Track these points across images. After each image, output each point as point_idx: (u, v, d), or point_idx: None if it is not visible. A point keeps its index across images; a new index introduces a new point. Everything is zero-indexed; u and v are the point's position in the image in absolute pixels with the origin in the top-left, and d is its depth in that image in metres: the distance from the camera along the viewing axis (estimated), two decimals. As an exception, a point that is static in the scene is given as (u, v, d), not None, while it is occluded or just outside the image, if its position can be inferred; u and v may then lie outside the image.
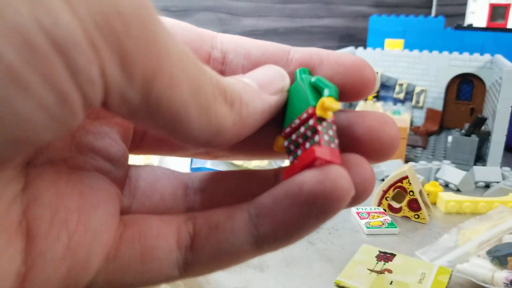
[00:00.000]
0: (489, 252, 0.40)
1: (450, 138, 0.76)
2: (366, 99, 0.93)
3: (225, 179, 0.16)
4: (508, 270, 0.38)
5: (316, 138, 0.13)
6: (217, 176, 0.16)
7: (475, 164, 0.70)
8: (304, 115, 0.14)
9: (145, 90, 0.10)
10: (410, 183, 0.52)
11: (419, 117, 0.95)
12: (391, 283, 0.38)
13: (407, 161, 0.73)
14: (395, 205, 0.54)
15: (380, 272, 0.39)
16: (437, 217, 0.54)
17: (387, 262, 0.41)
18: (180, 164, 0.56)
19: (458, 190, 0.63)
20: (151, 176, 0.16)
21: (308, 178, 0.12)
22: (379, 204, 0.55)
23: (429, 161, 0.71)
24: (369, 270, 0.40)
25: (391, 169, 0.65)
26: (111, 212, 0.13)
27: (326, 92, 0.14)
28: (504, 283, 0.37)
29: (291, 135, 0.14)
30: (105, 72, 0.09)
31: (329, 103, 0.13)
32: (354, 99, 0.15)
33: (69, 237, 0.12)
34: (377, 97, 0.93)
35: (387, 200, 0.54)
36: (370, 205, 0.56)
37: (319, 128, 0.13)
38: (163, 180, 0.16)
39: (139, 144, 0.17)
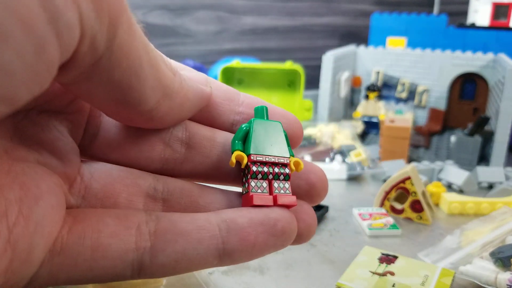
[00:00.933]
0: (492, 254, 0.40)
1: (453, 138, 0.75)
2: (367, 99, 0.92)
3: (191, 188, 0.16)
4: (511, 272, 0.37)
5: (287, 185, 0.17)
6: (184, 185, 0.16)
7: (478, 164, 0.70)
8: (284, 161, 0.17)
9: (111, 34, 0.11)
10: (413, 184, 0.51)
11: (422, 117, 0.94)
12: (393, 286, 0.37)
13: (409, 161, 0.72)
14: (398, 206, 0.53)
15: (383, 274, 0.39)
16: (440, 218, 0.54)
17: (390, 264, 0.41)
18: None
19: (461, 191, 0.62)
20: (106, 178, 0.15)
21: (281, 216, 0.15)
22: (381, 205, 0.54)
23: (432, 161, 0.70)
24: (371, 272, 0.39)
25: (393, 169, 0.64)
26: (55, 205, 0.13)
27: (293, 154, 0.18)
28: (508, 285, 0.37)
29: (262, 166, 0.16)
30: (82, 15, 0.09)
31: (302, 165, 0.17)
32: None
33: (9, 230, 0.11)
34: (379, 97, 0.93)
35: (389, 201, 0.54)
36: (372, 206, 0.55)
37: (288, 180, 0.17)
38: (119, 185, 0.15)
39: (89, 146, 0.16)
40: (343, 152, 0.69)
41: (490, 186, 0.63)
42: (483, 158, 0.72)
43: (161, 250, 0.13)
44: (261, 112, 0.18)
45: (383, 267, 0.40)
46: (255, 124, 0.17)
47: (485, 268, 0.39)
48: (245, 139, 0.16)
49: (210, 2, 1.10)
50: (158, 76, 0.12)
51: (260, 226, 0.14)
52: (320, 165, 0.67)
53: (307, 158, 0.68)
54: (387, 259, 0.42)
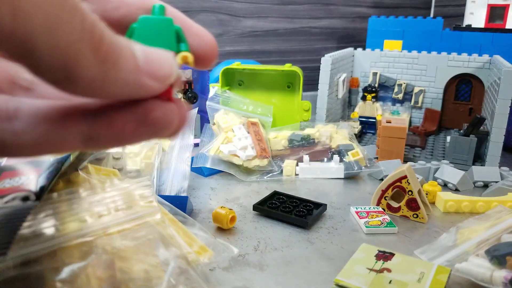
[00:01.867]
0: (487, 252, 0.40)
1: (448, 138, 0.76)
2: (365, 100, 0.93)
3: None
4: (506, 269, 0.38)
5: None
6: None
7: (473, 164, 0.71)
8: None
9: None
10: (409, 183, 0.52)
11: (418, 117, 0.95)
12: (390, 282, 0.38)
13: (406, 161, 0.73)
14: (394, 204, 0.54)
15: (379, 271, 0.40)
16: (436, 217, 0.54)
17: (386, 261, 0.41)
18: (182, 162, 0.56)
19: (456, 190, 0.63)
20: None
21: (155, 106, 0.14)
22: (378, 203, 0.55)
23: (427, 161, 0.71)
24: (368, 269, 0.40)
25: (390, 168, 0.65)
26: None
27: (183, 47, 0.17)
28: (503, 282, 0.37)
29: None
30: None
31: (190, 59, 0.17)
32: (202, 66, 0.18)
33: None
34: (376, 98, 0.94)
35: (386, 200, 0.54)
36: (369, 204, 0.56)
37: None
38: None
39: None
40: (341, 152, 0.69)
41: (486, 186, 0.64)
42: (479, 158, 0.73)
43: (22, 132, 0.13)
44: (158, 11, 0.17)
45: (380, 264, 0.41)
46: (141, 22, 0.16)
47: (480, 266, 0.39)
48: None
49: (211, 5, 1.10)
50: (63, 62, 0.12)
51: (130, 114, 0.14)
52: (318, 164, 0.67)
53: (306, 158, 0.68)
54: (384, 256, 0.42)
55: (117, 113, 0.14)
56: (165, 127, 0.14)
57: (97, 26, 0.12)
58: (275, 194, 0.57)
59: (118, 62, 0.13)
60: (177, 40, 0.17)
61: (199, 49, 0.17)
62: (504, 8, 1.06)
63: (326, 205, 0.54)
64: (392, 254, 0.43)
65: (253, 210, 0.53)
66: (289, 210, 0.52)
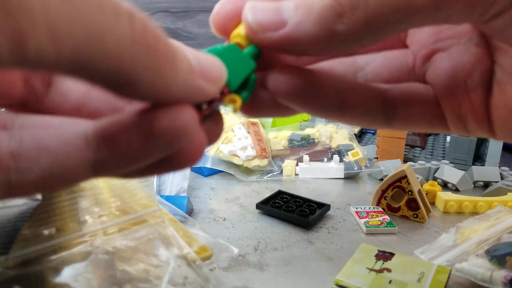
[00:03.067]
0: (487, 252, 0.40)
1: (448, 138, 0.76)
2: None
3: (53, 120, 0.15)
4: (506, 269, 0.38)
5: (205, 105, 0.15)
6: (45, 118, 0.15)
7: (473, 164, 0.71)
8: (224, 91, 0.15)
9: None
10: (409, 183, 0.52)
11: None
12: (390, 282, 0.38)
13: (405, 161, 0.73)
14: (394, 204, 0.54)
15: (379, 271, 0.40)
16: (436, 217, 0.54)
17: (386, 261, 0.41)
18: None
19: (456, 190, 0.63)
20: None
21: (163, 114, 0.13)
22: (378, 203, 0.55)
23: (427, 160, 0.71)
24: (368, 269, 0.40)
25: (389, 168, 0.65)
26: None
27: (244, 93, 0.16)
28: (503, 282, 0.37)
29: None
30: None
31: (237, 105, 0.16)
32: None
33: None
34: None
35: (386, 200, 0.54)
36: (369, 204, 0.56)
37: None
38: None
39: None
40: (341, 152, 0.69)
41: (486, 185, 0.64)
42: (478, 158, 0.73)
43: (27, 169, 0.13)
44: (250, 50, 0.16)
45: (380, 264, 0.41)
46: (229, 47, 0.15)
47: (480, 266, 0.39)
48: None
49: (211, 5, 1.10)
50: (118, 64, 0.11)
51: (133, 128, 0.13)
52: (318, 164, 0.67)
53: (306, 158, 0.68)
54: (384, 256, 0.42)
55: (121, 129, 0.13)
56: (175, 138, 0.13)
57: (148, 25, 0.11)
58: (279, 193, 0.57)
59: (175, 63, 0.12)
60: (244, 84, 0.16)
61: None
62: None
63: (329, 205, 0.54)
64: (392, 254, 0.43)
65: (256, 208, 0.53)
66: (292, 210, 0.52)
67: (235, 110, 0.16)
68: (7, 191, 0.13)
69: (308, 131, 0.74)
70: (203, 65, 0.13)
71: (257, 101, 0.17)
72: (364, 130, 0.93)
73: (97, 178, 0.14)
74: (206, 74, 0.13)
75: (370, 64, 0.19)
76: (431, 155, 0.78)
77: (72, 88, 0.15)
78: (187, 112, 0.13)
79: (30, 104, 0.15)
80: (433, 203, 0.58)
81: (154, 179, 0.52)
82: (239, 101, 0.16)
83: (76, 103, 0.15)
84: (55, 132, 0.13)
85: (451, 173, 0.64)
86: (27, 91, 0.15)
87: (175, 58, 0.12)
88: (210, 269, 0.39)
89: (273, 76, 0.16)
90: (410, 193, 0.52)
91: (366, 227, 0.49)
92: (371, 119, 0.18)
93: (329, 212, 0.54)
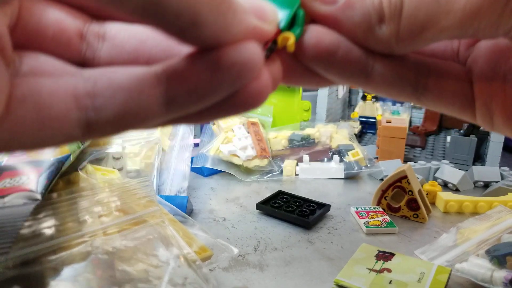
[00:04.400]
0: (488, 252, 0.40)
1: (449, 138, 0.76)
2: (365, 99, 0.93)
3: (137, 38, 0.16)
4: (507, 269, 0.38)
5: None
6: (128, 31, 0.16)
7: (474, 164, 0.71)
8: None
9: None
10: (409, 183, 0.52)
11: (418, 117, 0.95)
12: (390, 282, 0.38)
13: (406, 161, 0.73)
14: (394, 204, 0.54)
15: (380, 271, 0.40)
16: (436, 217, 0.54)
17: (386, 261, 0.41)
18: (182, 162, 0.56)
19: (457, 190, 0.63)
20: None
21: (231, 48, 0.13)
22: (378, 203, 0.55)
23: (428, 161, 0.71)
24: (369, 269, 0.40)
25: (390, 168, 0.65)
26: None
27: (296, 29, 0.16)
28: (503, 282, 0.37)
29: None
30: None
31: (290, 43, 0.15)
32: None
33: None
34: (376, 97, 0.94)
35: (386, 200, 0.54)
36: (369, 204, 0.56)
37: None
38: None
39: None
40: (341, 152, 0.69)
41: (486, 186, 0.64)
42: (479, 158, 0.73)
43: (103, 107, 0.13)
44: None
45: (380, 264, 0.41)
46: None
47: (481, 266, 0.39)
48: None
49: None
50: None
51: (202, 63, 0.13)
52: (318, 164, 0.67)
53: (306, 158, 0.68)
54: (384, 256, 0.42)
55: (189, 65, 0.13)
56: (243, 70, 0.13)
57: None
58: (279, 193, 0.57)
59: (231, 3, 0.12)
60: (292, 21, 0.16)
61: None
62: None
63: (329, 205, 0.54)
64: (392, 254, 0.43)
65: (256, 208, 0.53)
66: (292, 210, 0.52)
67: (289, 48, 0.16)
68: (86, 130, 0.14)
69: (308, 131, 0.74)
70: (255, 5, 0.14)
71: (290, 66, 0.17)
72: (364, 130, 0.93)
73: (168, 117, 0.14)
74: (259, 13, 0.14)
75: None
76: (432, 155, 0.78)
77: (127, 39, 0.16)
78: (252, 46, 0.13)
79: (89, 60, 0.16)
80: (433, 203, 0.58)
81: (154, 179, 0.52)
82: (292, 38, 0.15)
83: (131, 54, 0.16)
84: (127, 72, 0.14)
85: (451, 173, 0.64)
86: (85, 47, 0.16)
87: (236, 4, 0.12)
88: (210, 269, 0.39)
89: (313, 28, 0.16)
90: (410, 193, 0.52)
91: (366, 227, 0.49)
92: (400, 88, 0.17)
93: (329, 212, 0.54)
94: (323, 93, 0.82)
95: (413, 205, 0.53)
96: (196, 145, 0.76)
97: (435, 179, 0.65)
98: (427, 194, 0.57)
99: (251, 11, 0.14)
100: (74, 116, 0.13)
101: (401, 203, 0.53)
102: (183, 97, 0.14)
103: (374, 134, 0.92)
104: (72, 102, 0.13)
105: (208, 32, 0.12)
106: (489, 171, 0.65)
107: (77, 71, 0.14)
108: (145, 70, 0.14)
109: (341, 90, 0.90)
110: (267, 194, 0.57)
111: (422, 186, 0.56)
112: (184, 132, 0.59)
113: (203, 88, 0.13)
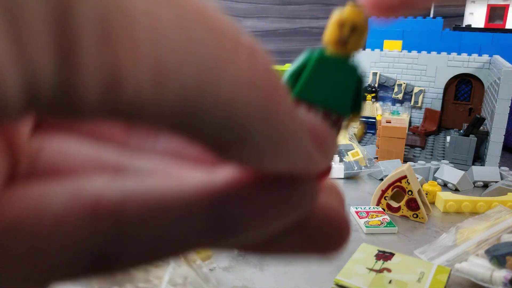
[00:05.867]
0: (487, 251, 0.40)
1: (448, 138, 0.76)
2: (365, 100, 0.93)
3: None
4: (506, 269, 0.38)
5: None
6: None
7: (473, 164, 0.71)
8: (335, 116, 0.12)
9: None
10: (409, 183, 0.52)
11: (418, 117, 0.95)
12: (390, 282, 0.38)
13: (405, 161, 0.73)
14: (394, 204, 0.54)
15: (379, 271, 0.40)
16: (436, 217, 0.54)
17: (386, 261, 0.41)
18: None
19: (456, 190, 0.63)
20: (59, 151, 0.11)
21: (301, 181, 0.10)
22: (378, 203, 0.55)
23: (427, 161, 0.71)
24: (368, 269, 0.40)
25: (389, 168, 0.65)
26: None
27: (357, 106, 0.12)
28: (503, 282, 0.37)
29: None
30: None
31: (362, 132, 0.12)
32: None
33: None
34: (376, 98, 0.94)
35: (385, 200, 0.54)
36: (369, 204, 0.56)
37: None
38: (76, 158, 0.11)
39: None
40: (341, 152, 0.69)
41: (485, 185, 0.64)
42: (478, 158, 0.73)
43: (132, 234, 0.10)
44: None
45: (380, 264, 0.41)
46: (320, 57, 0.12)
47: (480, 266, 0.39)
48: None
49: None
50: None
51: (274, 188, 0.10)
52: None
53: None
54: (384, 256, 0.42)
55: (258, 187, 0.10)
56: (308, 202, 0.10)
57: (270, 65, 0.09)
58: None
59: (291, 120, 0.09)
60: (354, 99, 0.12)
61: None
62: (504, 8, 1.06)
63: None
64: (392, 254, 0.43)
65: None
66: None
67: (359, 137, 0.13)
68: (99, 268, 0.09)
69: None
70: (317, 130, 0.10)
71: None
72: (364, 130, 0.93)
73: (221, 245, 0.11)
74: (319, 141, 0.10)
75: None
76: (431, 155, 0.78)
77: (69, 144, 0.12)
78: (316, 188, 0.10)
79: (20, 174, 0.11)
80: (433, 203, 0.58)
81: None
82: (361, 127, 0.13)
83: (86, 159, 0.11)
84: (171, 183, 0.10)
85: (451, 173, 0.64)
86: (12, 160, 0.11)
87: (295, 116, 0.09)
88: (210, 269, 0.39)
89: None
90: (410, 193, 0.52)
91: (366, 227, 0.49)
92: None
93: (329, 212, 0.54)
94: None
95: (412, 205, 0.53)
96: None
97: (434, 179, 0.65)
98: (426, 194, 0.57)
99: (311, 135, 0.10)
100: (86, 249, 0.09)
101: (401, 203, 0.53)
102: (240, 224, 0.10)
103: (373, 134, 0.92)
104: (88, 226, 0.09)
105: (258, 151, 0.09)
106: (489, 171, 0.65)
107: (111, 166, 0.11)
108: (191, 185, 0.10)
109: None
110: (267, 194, 0.57)
111: (421, 186, 0.56)
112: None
113: (267, 216, 0.10)
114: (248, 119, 0.08)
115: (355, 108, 0.12)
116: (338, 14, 0.12)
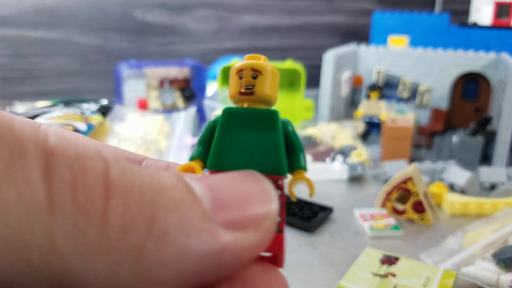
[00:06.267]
0: (494, 255, 0.40)
1: (455, 138, 0.75)
2: (369, 98, 0.92)
3: None
4: (514, 273, 0.37)
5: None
6: None
7: (480, 165, 0.69)
8: (279, 182, 0.11)
9: None
10: (415, 185, 0.51)
11: (424, 117, 0.94)
12: (394, 287, 0.37)
13: (411, 161, 0.72)
14: (399, 207, 0.53)
15: (384, 275, 0.39)
16: (442, 219, 0.53)
17: (391, 265, 0.40)
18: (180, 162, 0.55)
19: (463, 191, 0.62)
20: None
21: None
22: (383, 206, 0.54)
23: (433, 161, 0.70)
24: (373, 273, 0.39)
25: (394, 170, 0.64)
26: None
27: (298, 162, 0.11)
28: (510, 286, 0.37)
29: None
30: None
31: (312, 189, 0.11)
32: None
33: None
34: (381, 96, 0.92)
35: (390, 202, 0.53)
36: (373, 207, 0.55)
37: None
38: None
39: None
40: (344, 152, 0.68)
41: (492, 187, 0.63)
42: (485, 158, 0.72)
43: None
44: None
45: (384, 269, 0.40)
46: (228, 116, 0.11)
47: (487, 269, 0.38)
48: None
49: (209, 0, 1.09)
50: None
51: None
52: (320, 165, 0.67)
53: (308, 158, 0.67)
54: (389, 260, 0.41)
55: None
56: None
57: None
58: None
59: (167, 236, 0.08)
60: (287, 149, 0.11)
61: None
62: (511, 5, 1.05)
63: (332, 208, 0.53)
64: (397, 258, 0.42)
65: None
66: (293, 213, 0.51)
67: (311, 194, 0.12)
68: None
69: (309, 130, 0.73)
70: (229, 202, 0.09)
71: None
72: (368, 130, 0.92)
73: None
74: (231, 217, 0.09)
75: None
76: (437, 155, 0.77)
77: None
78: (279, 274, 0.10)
79: None
80: (439, 205, 0.57)
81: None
82: (309, 181, 0.11)
83: None
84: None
85: (457, 174, 0.63)
86: None
87: (168, 229, 0.08)
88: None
89: None
90: (415, 195, 0.51)
91: (371, 230, 0.48)
92: None
93: (332, 215, 0.53)
94: (326, 91, 0.81)
95: (418, 207, 0.52)
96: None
97: (441, 180, 0.64)
98: (433, 196, 0.56)
99: (215, 216, 0.09)
100: None
101: (406, 205, 0.52)
102: None
103: (378, 134, 0.91)
104: None
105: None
106: (496, 171, 0.64)
107: None
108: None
109: (344, 89, 0.89)
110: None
111: (427, 188, 0.55)
112: (181, 132, 0.59)
113: None
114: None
115: (295, 162, 0.11)
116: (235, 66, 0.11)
